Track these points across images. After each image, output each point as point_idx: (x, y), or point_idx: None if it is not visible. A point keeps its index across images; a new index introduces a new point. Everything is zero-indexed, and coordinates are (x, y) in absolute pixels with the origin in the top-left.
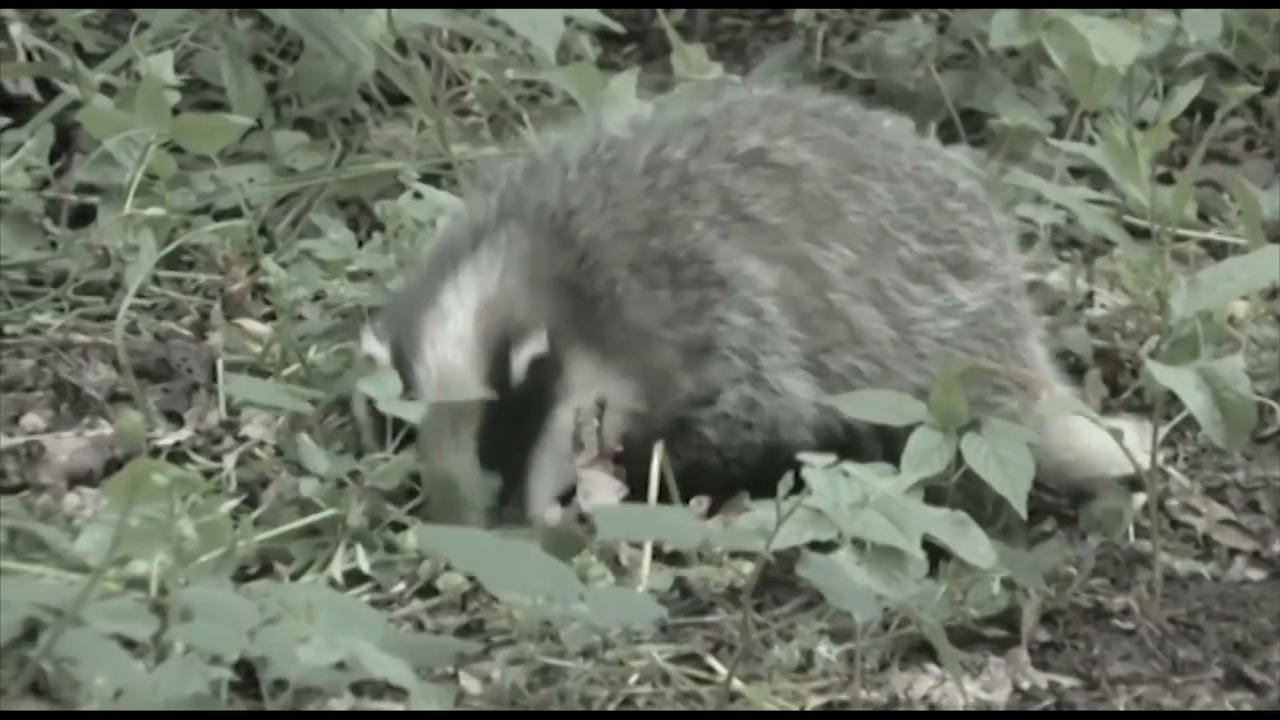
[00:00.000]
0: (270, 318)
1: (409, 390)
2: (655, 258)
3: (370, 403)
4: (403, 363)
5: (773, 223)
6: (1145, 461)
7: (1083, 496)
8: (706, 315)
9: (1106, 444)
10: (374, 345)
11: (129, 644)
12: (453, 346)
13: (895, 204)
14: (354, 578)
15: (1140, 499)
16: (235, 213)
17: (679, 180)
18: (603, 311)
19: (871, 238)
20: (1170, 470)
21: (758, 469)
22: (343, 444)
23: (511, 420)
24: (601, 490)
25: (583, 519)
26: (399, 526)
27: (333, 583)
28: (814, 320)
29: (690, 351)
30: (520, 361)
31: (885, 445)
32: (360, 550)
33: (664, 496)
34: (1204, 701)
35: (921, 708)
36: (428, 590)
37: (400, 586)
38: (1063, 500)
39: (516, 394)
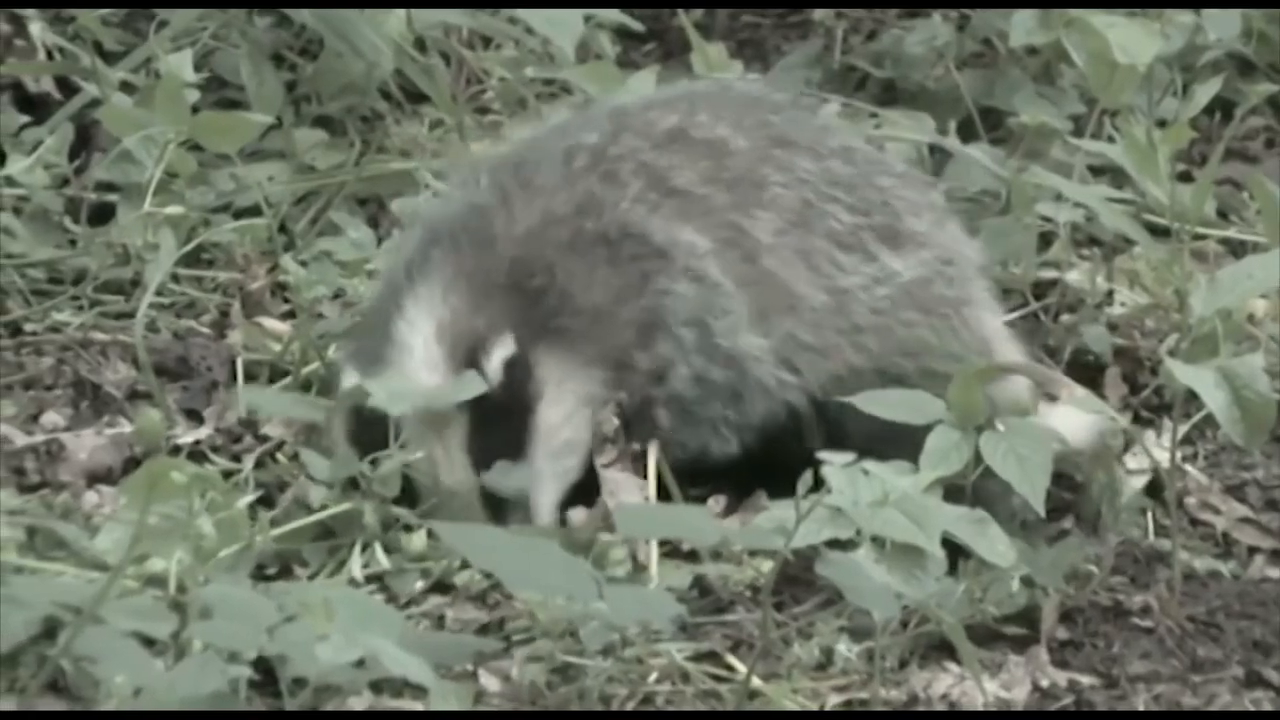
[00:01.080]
0: (290, 316)
1: (388, 425)
2: (589, 238)
3: (350, 428)
4: None
5: (699, 193)
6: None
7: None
8: (651, 288)
9: (1068, 424)
10: (354, 376)
11: (148, 642)
12: (424, 371)
13: (820, 177)
14: (370, 581)
15: (1119, 476)
16: (255, 211)
17: (597, 161)
18: (552, 303)
19: (798, 207)
20: (1189, 468)
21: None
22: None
23: (497, 428)
24: (626, 490)
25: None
26: (409, 529)
27: (352, 583)
28: (751, 287)
29: (642, 328)
30: (494, 366)
31: (830, 430)
32: (378, 548)
33: (663, 494)
34: (1223, 700)
35: (941, 706)
36: (444, 586)
37: (418, 584)
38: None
39: (497, 401)
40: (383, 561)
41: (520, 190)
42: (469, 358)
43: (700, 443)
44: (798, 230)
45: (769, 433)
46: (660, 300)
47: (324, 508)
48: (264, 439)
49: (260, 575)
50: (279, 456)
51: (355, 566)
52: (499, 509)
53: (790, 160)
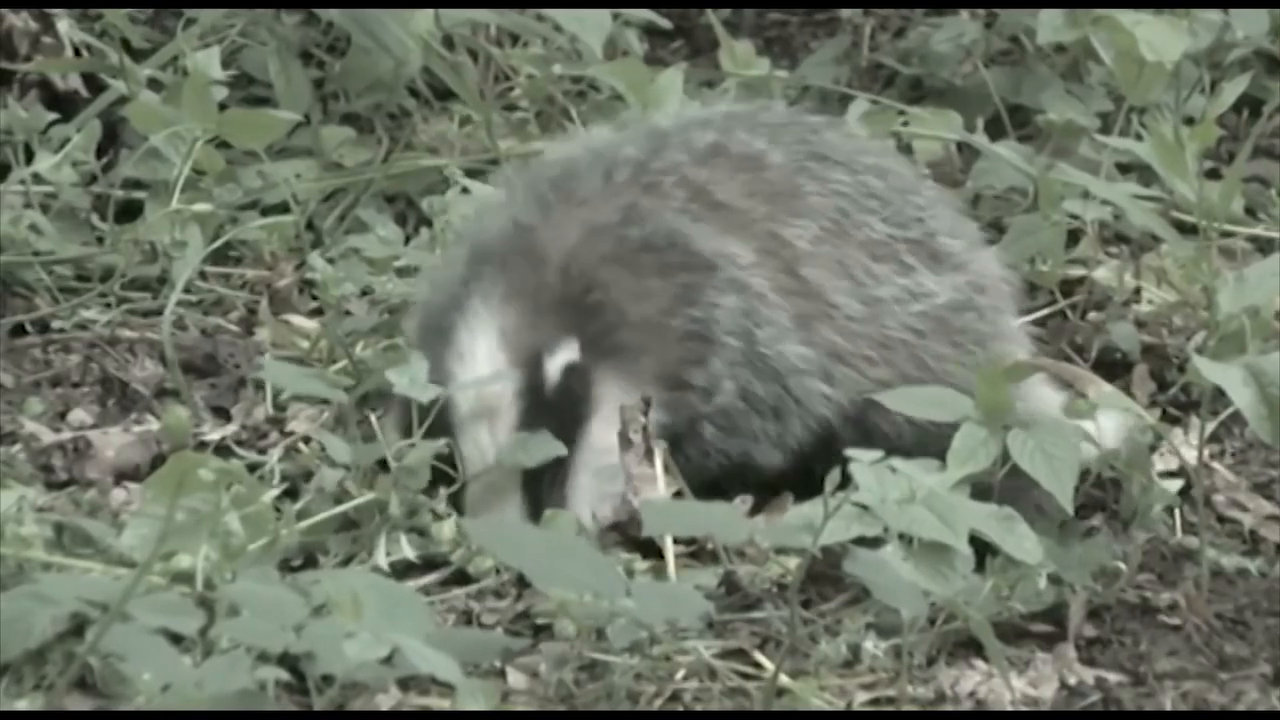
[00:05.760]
0: (317, 313)
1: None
2: (635, 246)
3: (406, 420)
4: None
5: (740, 206)
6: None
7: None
8: (701, 300)
9: (1100, 427)
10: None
11: (175, 639)
12: (486, 365)
13: (856, 189)
14: (395, 569)
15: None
16: (282, 208)
17: (639, 174)
18: (608, 317)
19: (834, 216)
20: (1217, 465)
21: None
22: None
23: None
24: (652, 486)
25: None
26: (436, 515)
27: (376, 572)
28: (792, 296)
29: (694, 340)
30: (555, 366)
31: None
32: (403, 538)
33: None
34: (1251, 698)
35: (968, 704)
36: (465, 576)
37: (437, 575)
38: (1109, 495)
39: (550, 403)
40: (406, 551)
41: (561, 204)
42: (532, 358)
43: (743, 451)
44: (834, 239)
45: (803, 448)
46: (710, 313)
47: (349, 498)
48: (290, 434)
49: (286, 567)
50: (304, 449)
51: (380, 556)
52: (535, 497)
53: (825, 173)
